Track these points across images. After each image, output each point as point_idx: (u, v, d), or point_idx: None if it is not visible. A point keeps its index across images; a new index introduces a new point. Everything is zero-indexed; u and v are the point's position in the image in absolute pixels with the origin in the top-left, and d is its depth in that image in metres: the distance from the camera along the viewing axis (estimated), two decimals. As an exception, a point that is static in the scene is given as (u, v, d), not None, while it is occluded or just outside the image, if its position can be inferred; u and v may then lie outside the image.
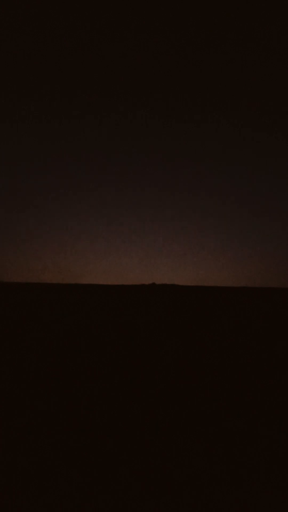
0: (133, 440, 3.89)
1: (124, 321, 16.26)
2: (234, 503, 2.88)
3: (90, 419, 4.46)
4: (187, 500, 2.90)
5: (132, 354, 8.55)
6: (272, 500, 2.93)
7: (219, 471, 3.32)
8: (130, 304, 30.16)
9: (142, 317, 18.28)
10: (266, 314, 22.43)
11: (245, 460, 3.54)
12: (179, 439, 3.94)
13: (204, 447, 3.77)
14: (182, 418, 4.53)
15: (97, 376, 6.46)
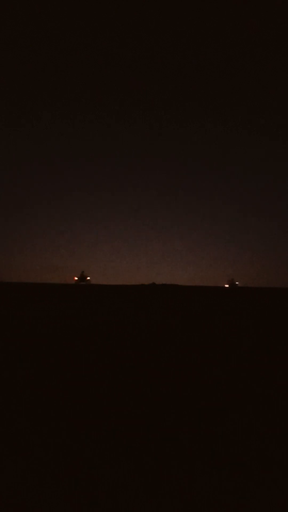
0: (132, 440, 3.89)
1: (124, 321, 16.25)
2: (234, 503, 2.88)
3: (90, 419, 4.46)
4: (187, 500, 2.90)
5: (132, 354, 8.55)
6: (272, 500, 2.93)
7: (219, 473, 3.32)
8: (130, 304, 30.13)
9: (142, 317, 18.27)
10: (266, 314, 22.42)
11: (245, 460, 3.54)
12: (178, 439, 3.94)
13: (204, 447, 3.77)
14: (182, 418, 4.53)
15: (97, 375, 6.45)
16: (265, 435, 4.10)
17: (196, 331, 13.00)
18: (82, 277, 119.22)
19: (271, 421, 4.52)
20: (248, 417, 4.62)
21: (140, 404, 4.99)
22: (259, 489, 3.07)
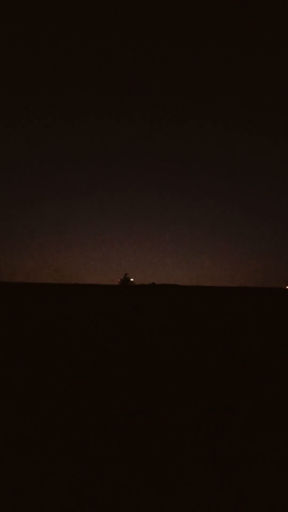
0: (134, 441, 3.89)
1: (124, 321, 16.25)
2: (234, 503, 2.88)
3: (90, 419, 4.45)
4: (188, 500, 2.90)
5: (132, 354, 8.54)
6: (272, 501, 2.93)
7: (221, 474, 3.32)
8: (130, 304, 30.14)
9: (142, 317, 18.26)
10: (266, 314, 22.42)
11: (246, 460, 3.54)
12: (179, 439, 3.94)
13: (205, 447, 3.77)
14: (182, 418, 4.53)
15: (97, 376, 6.45)
16: (266, 436, 4.10)
17: (196, 331, 13.00)
18: (126, 279, 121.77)
19: (272, 422, 4.51)
20: (249, 418, 4.62)
21: (140, 404, 4.99)
22: (260, 489, 3.06)
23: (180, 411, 4.75)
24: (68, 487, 3.02)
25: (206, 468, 3.35)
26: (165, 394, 5.48)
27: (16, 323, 14.22)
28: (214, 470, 3.33)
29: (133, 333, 12.26)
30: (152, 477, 3.19)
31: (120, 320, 16.66)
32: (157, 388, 5.75)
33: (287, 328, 14.82)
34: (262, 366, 7.50)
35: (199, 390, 5.72)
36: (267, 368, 7.38)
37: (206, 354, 8.71)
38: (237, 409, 4.91)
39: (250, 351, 9.19)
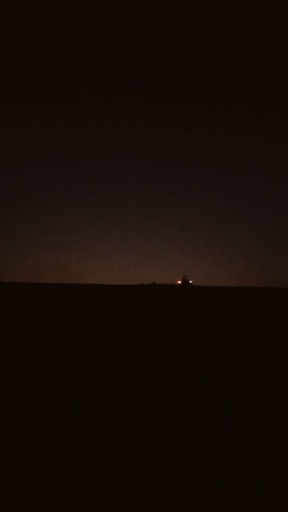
0: (134, 441, 3.89)
1: (124, 321, 16.26)
2: (234, 502, 2.88)
3: (90, 420, 4.46)
4: (187, 500, 2.90)
5: (132, 354, 8.55)
6: (272, 502, 2.93)
7: (221, 474, 3.32)
8: (130, 304, 30.15)
9: (142, 317, 18.27)
10: (266, 314, 22.43)
11: (247, 460, 3.54)
12: (180, 439, 3.95)
13: (204, 447, 3.78)
14: (182, 418, 4.53)
15: (97, 376, 6.46)
16: (266, 436, 4.10)
17: (196, 331, 13.01)
18: (185, 281, 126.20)
19: (273, 422, 4.52)
20: (250, 418, 4.63)
21: (140, 405, 5.00)
22: (260, 489, 3.07)
23: (180, 412, 4.76)
24: (68, 487, 3.03)
25: (206, 469, 3.36)
26: (166, 394, 5.49)
27: (16, 323, 14.23)
28: (214, 471, 3.33)
29: (132, 333, 12.27)
30: (152, 478, 3.19)
31: (120, 320, 16.66)
32: (158, 389, 5.76)
33: (287, 328, 14.82)
34: (262, 367, 7.50)
35: (199, 390, 5.73)
36: (267, 368, 7.38)
37: (206, 354, 8.72)
38: (237, 409, 4.91)
39: (250, 352, 9.20)
